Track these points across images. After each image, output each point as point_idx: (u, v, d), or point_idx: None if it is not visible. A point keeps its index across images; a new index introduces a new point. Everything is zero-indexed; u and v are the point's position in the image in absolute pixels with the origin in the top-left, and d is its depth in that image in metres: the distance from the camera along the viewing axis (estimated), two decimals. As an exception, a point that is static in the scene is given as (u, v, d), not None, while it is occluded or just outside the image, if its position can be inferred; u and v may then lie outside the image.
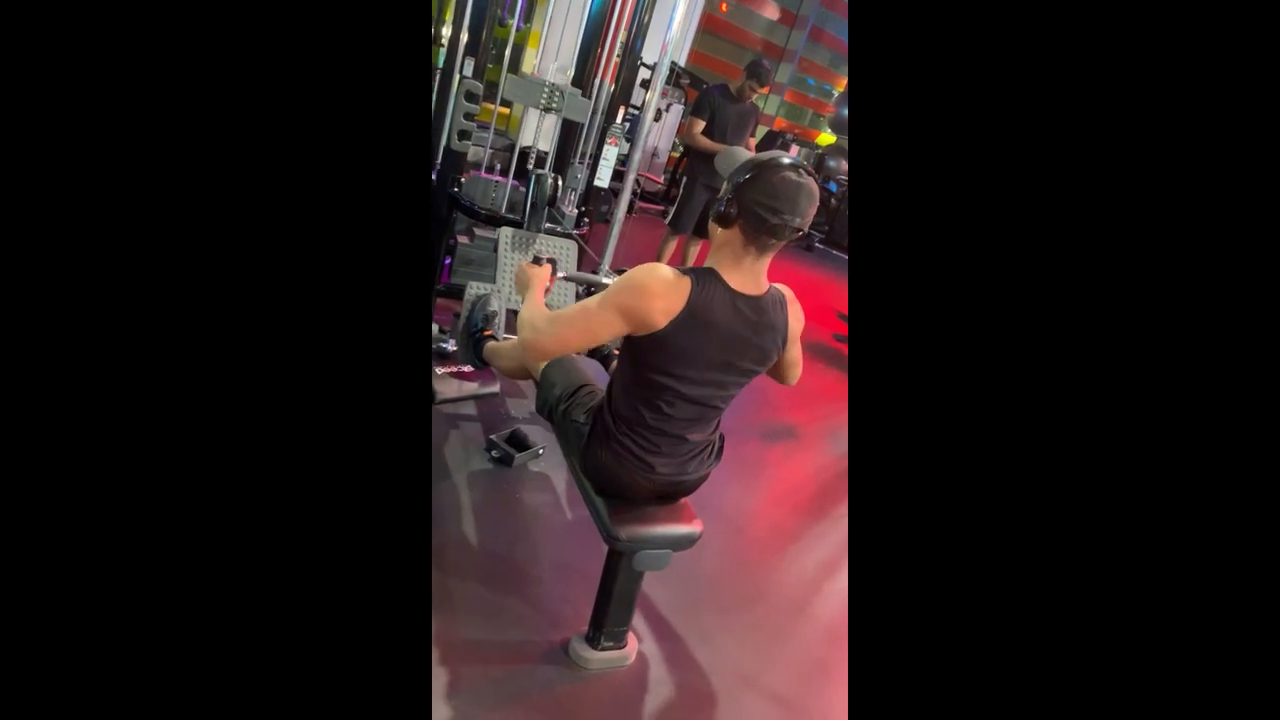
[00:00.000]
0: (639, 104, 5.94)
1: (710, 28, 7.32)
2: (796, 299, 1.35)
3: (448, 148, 2.38)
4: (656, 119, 5.53)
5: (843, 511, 2.43)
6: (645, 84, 5.89)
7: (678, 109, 6.59)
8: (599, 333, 1.21)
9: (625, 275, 1.21)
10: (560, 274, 1.73)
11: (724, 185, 1.20)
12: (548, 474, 2.08)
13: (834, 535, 2.27)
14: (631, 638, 1.53)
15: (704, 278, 1.21)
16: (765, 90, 3.65)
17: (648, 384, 1.28)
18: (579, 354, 1.76)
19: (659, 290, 1.17)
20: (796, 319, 1.33)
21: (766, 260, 1.23)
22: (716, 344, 1.23)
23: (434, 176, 2.48)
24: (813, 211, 1.18)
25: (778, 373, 1.43)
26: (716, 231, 1.22)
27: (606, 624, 1.46)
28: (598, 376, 1.56)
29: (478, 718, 1.28)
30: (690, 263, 4.08)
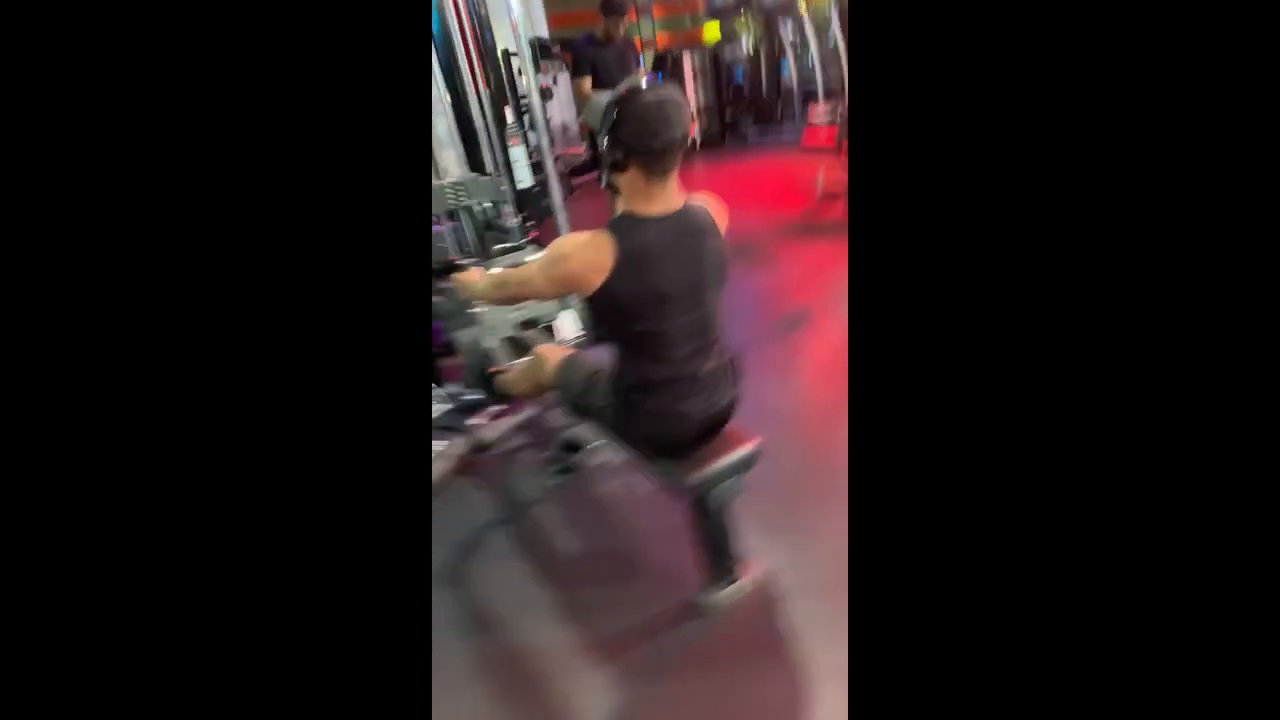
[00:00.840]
0: (525, 93, 5.87)
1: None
2: (713, 198, 1.37)
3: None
4: (548, 98, 5.47)
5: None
6: (520, 71, 5.81)
7: (565, 78, 6.48)
8: (540, 291, 1.31)
9: (550, 250, 1.26)
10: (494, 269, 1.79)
11: (599, 137, 1.23)
12: (609, 460, 2.14)
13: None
14: (746, 564, 1.60)
15: (622, 224, 1.24)
16: (629, 18, 3.57)
17: (635, 342, 1.32)
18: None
19: (576, 255, 1.22)
20: (720, 212, 1.37)
21: (671, 180, 1.25)
22: (670, 271, 1.26)
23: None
24: (685, 117, 1.19)
25: None
26: (619, 179, 1.24)
27: (718, 563, 1.52)
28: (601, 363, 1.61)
29: (656, 693, 1.36)
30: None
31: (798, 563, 1.63)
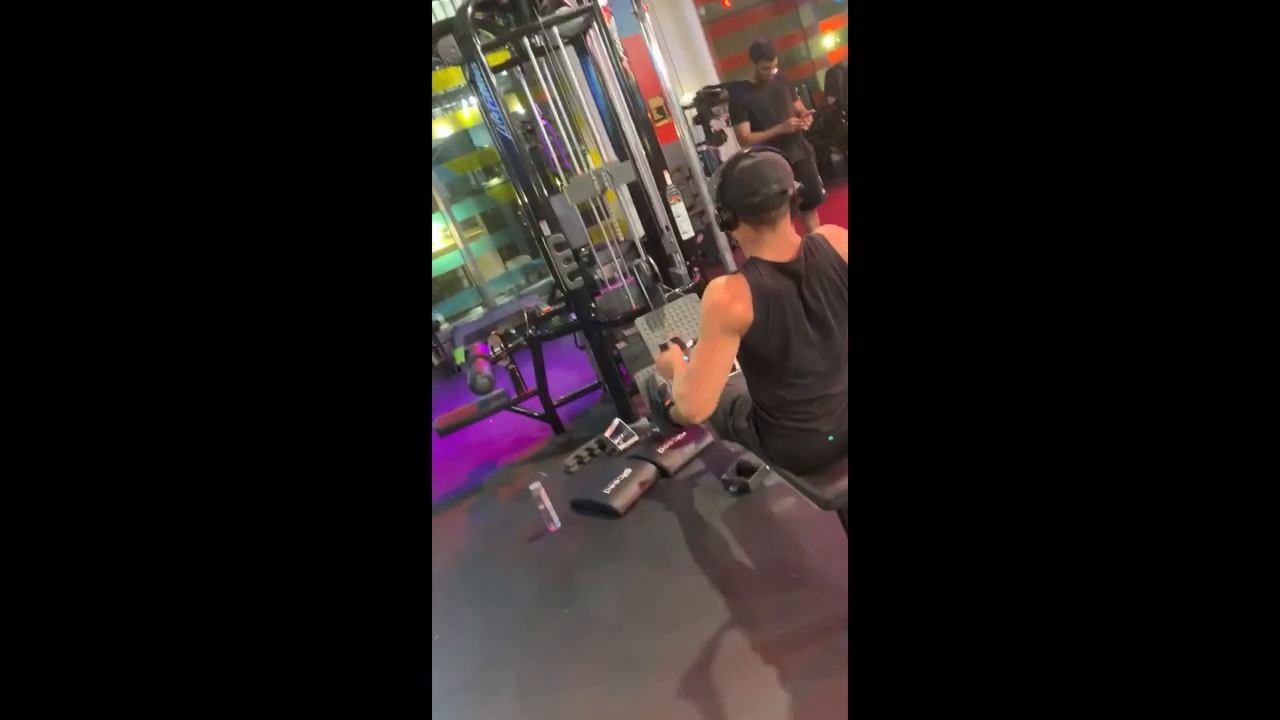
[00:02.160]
0: (701, 140, 6.23)
1: (722, 33, 7.47)
2: (834, 228, 1.49)
3: (569, 291, 2.85)
4: (721, 141, 5.75)
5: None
6: (696, 120, 6.19)
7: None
8: (722, 359, 1.43)
9: (701, 311, 1.46)
10: (688, 343, 2.00)
11: (713, 200, 1.44)
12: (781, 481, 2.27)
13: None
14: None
15: (749, 266, 1.43)
16: (774, 63, 3.73)
17: (768, 372, 1.48)
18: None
19: (724, 296, 1.40)
20: (843, 239, 1.47)
21: (782, 227, 1.41)
22: (794, 311, 1.41)
23: (572, 317, 2.96)
24: (783, 173, 1.36)
25: None
26: (734, 233, 1.44)
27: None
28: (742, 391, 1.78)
29: (811, 690, 1.48)
30: (815, 230, 4.13)
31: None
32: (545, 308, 3.13)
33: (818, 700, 1.46)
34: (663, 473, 2.58)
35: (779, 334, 1.42)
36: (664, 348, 1.88)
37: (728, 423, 1.70)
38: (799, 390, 1.48)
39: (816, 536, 1.94)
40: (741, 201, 1.37)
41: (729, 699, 1.54)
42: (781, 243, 1.42)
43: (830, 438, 1.50)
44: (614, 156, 2.98)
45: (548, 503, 2.56)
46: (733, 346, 1.42)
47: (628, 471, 2.59)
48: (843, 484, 1.50)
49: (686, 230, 2.95)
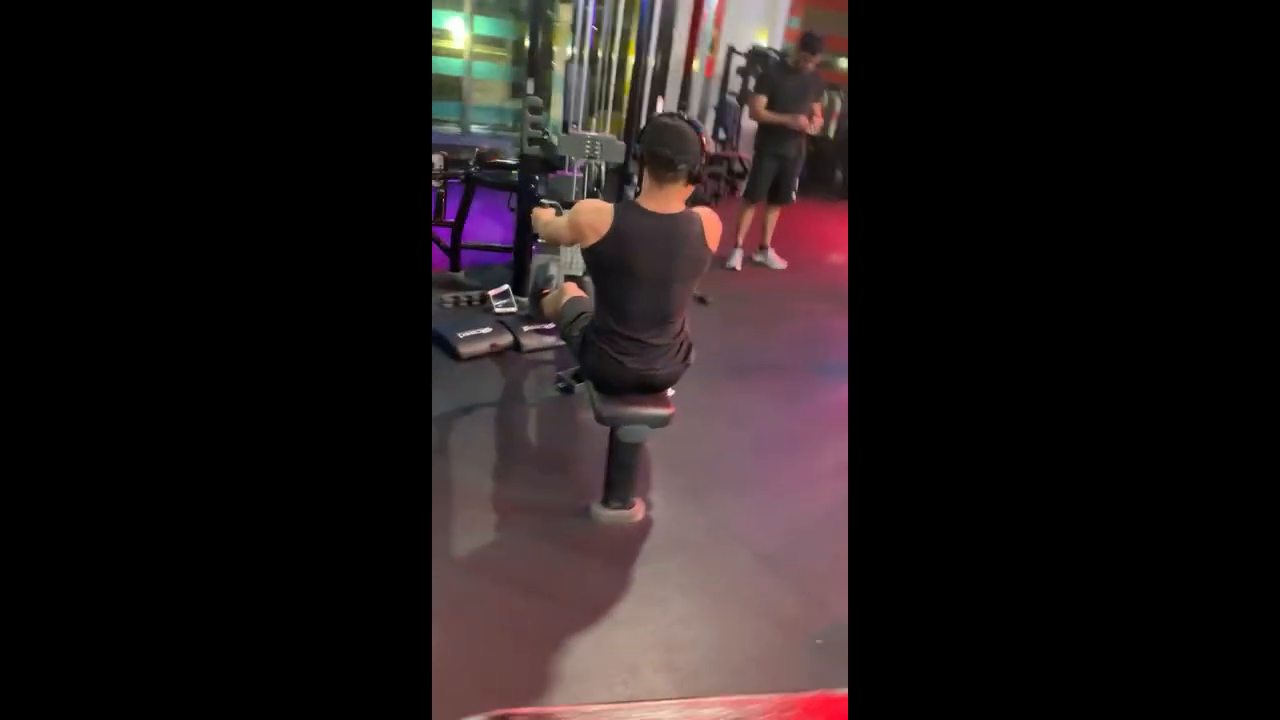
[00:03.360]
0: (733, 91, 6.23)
1: (816, 3, 7.32)
2: (710, 214, 1.71)
3: (522, 153, 2.94)
4: (743, 103, 5.79)
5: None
6: (740, 71, 6.17)
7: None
8: (563, 235, 1.74)
9: (574, 206, 1.69)
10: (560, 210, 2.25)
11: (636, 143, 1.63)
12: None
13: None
14: (639, 503, 1.96)
15: (625, 207, 1.64)
16: (815, 59, 3.82)
17: (606, 295, 1.72)
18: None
19: (586, 214, 1.63)
20: (713, 228, 1.70)
21: (672, 190, 1.62)
22: (644, 255, 1.63)
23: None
24: (686, 146, 1.57)
25: None
26: (640, 176, 1.65)
27: (613, 489, 1.90)
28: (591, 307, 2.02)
29: (519, 545, 1.79)
30: (769, 230, 4.36)
31: (679, 521, 1.97)
32: (494, 155, 3.20)
33: (524, 562, 1.77)
34: (515, 346, 2.81)
35: (620, 269, 1.65)
36: (542, 205, 2.15)
37: (567, 328, 1.93)
38: (622, 326, 1.73)
39: (590, 442, 2.22)
40: (647, 149, 1.57)
41: (447, 538, 1.83)
42: (664, 200, 1.63)
43: (627, 373, 1.76)
44: (647, 58, 3.03)
45: (406, 318, 2.73)
46: (569, 238, 1.72)
47: (488, 329, 2.79)
48: (622, 409, 1.78)
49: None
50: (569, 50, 3.00)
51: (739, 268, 4.22)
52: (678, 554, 1.85)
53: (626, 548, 1.86)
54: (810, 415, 2.75)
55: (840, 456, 2.44)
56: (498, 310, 3.08)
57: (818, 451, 2.46)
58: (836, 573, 1.84)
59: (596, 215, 1.63)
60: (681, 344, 1.83)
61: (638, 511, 1.95)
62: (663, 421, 1.81)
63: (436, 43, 5.81)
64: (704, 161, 1.63)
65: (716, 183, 5.81)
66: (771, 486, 2.22)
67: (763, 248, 4.39)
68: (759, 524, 2.01)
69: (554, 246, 2.16)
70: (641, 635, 1.57)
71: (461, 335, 2.72)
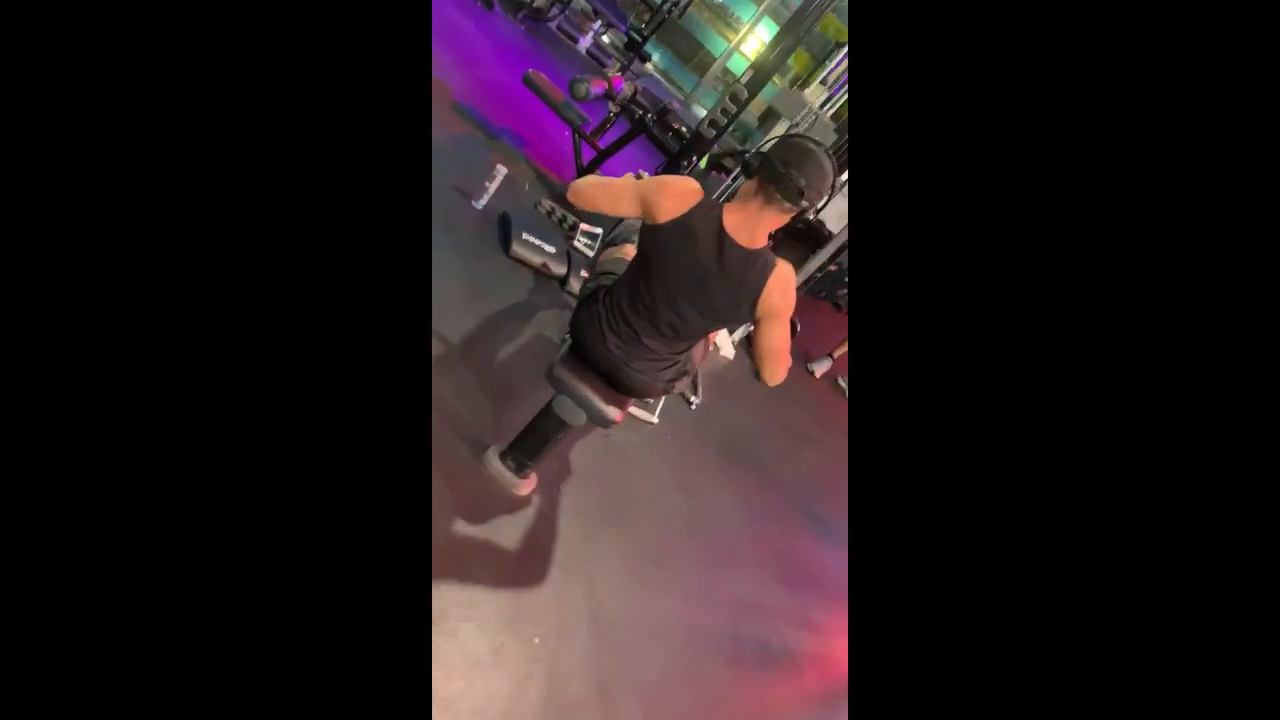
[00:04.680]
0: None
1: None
2: (794, 286, 1.46)
3: (695, 131, 2.80)
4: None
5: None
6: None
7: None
8: (622, 204, 1.46)
9: (661, 176, 1.46)
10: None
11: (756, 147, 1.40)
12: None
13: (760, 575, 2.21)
14: (532, 478, 1.76)
15: (710, 205, 1.40)
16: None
17: (636, 273, 1.51)
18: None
19: (673, 192, 1.39)
20: (782, 296, 1.43)
21: (768, 216, 1.37)
22: (689, 263, 1.40)
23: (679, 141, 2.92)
24: (818, 181, 1.31)
25: (754, 352, 1.54)
26: (744, 180, 1.41)
27: (517, 446, 1.70)
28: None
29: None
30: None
31: (547, 527, 1.75)
32: (676, 121, 3.08)
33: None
34: (563, 281, 2.66)
35: (664, 265, 1.44)
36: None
37: (592, 277, 1.74)
38: (629, 309, 1.52)
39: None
40: (772, 160, 1.34)
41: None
42: (752, 222, 1.39)
43: (605, 351, 1.56)
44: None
45: (493, 188, 2.64)
46: (632, 209, 1.45)
47: (552, 250, 2.66)
48: (573, 378, 1.58)
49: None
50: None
51: (818, 375, 3.92)
52: (517, 546, 1.63)
53: (479, 512, 1.65)
54: (778, 549, 2.45)
55: (770, 599, 2.15)
56: (576, 242, 2.95)
57: (757, 574, 2.17)
58: (654, 691, 1.58)
59: (680, 198, 1.39)
60: (674, 364, 1.60)
61: (524, 486, 1.74)
62: (603, 420, 1.60)
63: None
64: (820, 206, 1.39)
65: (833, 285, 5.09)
66: (675, 575, 1.96)
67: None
68: (626, 595, 1.76)
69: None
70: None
71: (524, 236, 2.60)
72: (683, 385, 1.68)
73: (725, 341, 3.41)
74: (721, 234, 1.39)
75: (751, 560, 2.26)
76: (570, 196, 1.54)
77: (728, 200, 1.42)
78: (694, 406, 2.70)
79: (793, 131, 1.40)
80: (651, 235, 1.43)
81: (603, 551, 1.80)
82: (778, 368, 1.53)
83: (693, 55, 6.02)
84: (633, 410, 2.34)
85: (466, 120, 3.20)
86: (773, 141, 1.36)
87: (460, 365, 1.97)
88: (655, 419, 2.40)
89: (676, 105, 3.13)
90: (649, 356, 1.56)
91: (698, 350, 1.73)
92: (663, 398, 2.41)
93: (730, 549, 2.21)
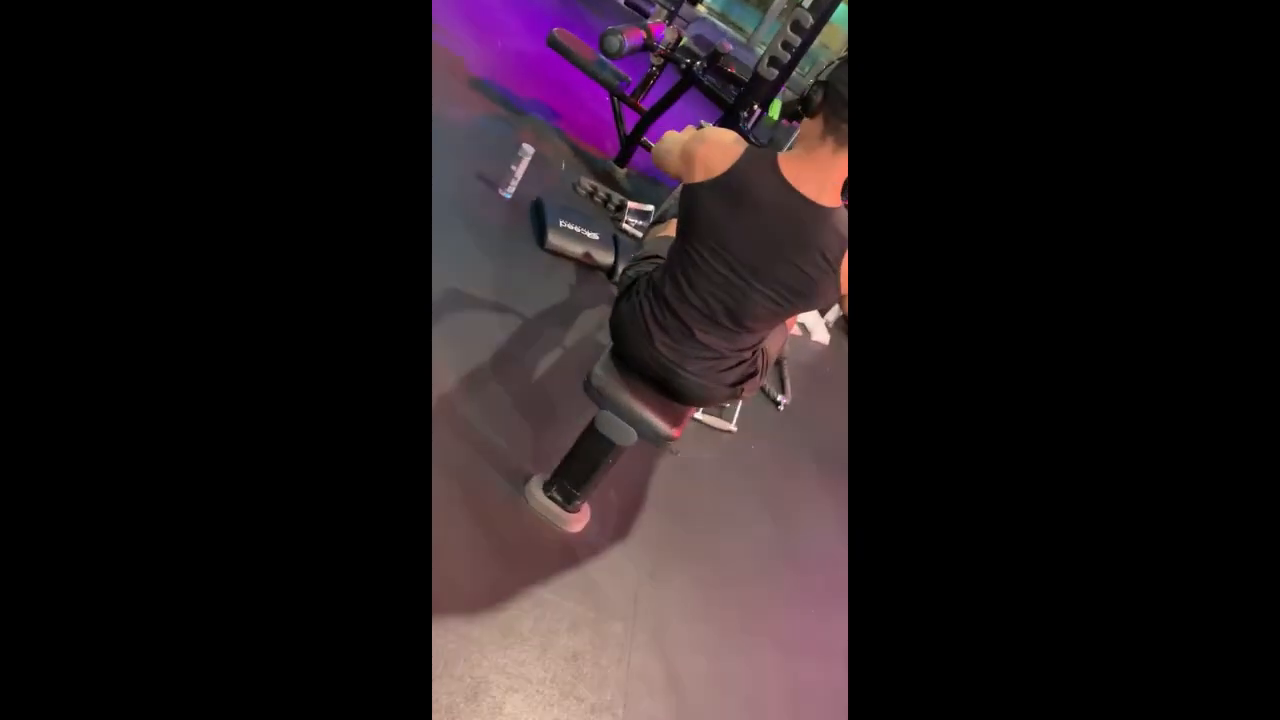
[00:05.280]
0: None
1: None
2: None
3: (756, 73, 2.67)
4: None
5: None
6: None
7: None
8: (671, 160, 1.40)
9: (706, 129, 1.37)
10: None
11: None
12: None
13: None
14: (584, 511, 1.69)
15: (761, 154, 1.29)
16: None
17: (680, 251, 1.41)
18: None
19: (711, 144, 1.30)
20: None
21: (842, 161, 1.24)
22: (745, 228, 1.30)
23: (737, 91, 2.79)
24: None
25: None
26: (806, 120, 1.28)
27: (562, 476, 1.64)
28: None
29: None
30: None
31: (614, 568, 1.68)
32: (731, 64, 2.95)
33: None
34: (610, 273, 2.59)
35: (706, 229, 1.33)
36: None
37: (634, 265, 1.66)
38: (676, 298, 1.42)
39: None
40: (837, 88, 1.20)
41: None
42: (817, 168, 1.26)
43: (653, 353, 1.47)
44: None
45: (520, 172, 2.61)
46: (678, 166, 1.37)
47: (595, 237, 2.60)
48: (616, 386, 1.50)
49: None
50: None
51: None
52: (574, 614, 1.57)
53: (525, 558, 1.60)
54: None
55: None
56: (625, 225, 2.88)
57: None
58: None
59: (719, 150, 1.30)
60: (741, 363, 1.49)
61: (576, 522, 1.68)
62: (657, 437, 1.51)
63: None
64: None
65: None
66: (767, 622, 1.85)
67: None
68: (706, 650, 1.66)
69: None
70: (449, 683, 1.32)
71: (562, 224, 2.55)
72: (753, 389, 1.57)
73: (817, 324, 3.25)
74: (784, 188, 1.27)
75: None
76: (654, 161, 1.51)
77: (792, 149, 1.31)
78: (782, 408, 2.57)
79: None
80: (692, 200, 1.33)
81: (675, 596, 1.71)
82: None
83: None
84: (703, 418, 2.25)
85: (488, 97, 3.19)
86: (835, 64, 1.23)
87: (492, 383, 1.93)
88: (733, 426, 2.29)
89: (729, 46, 3.00)
90: (706, 356, 1.46)
91: (772, 342, 1.62)
92: (739, 401, 2.30)
93: (835, 584, 2.07)
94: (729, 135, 1.33)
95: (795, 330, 3.14)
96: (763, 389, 2.57)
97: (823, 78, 1.23)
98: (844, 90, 1.19)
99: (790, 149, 1.32)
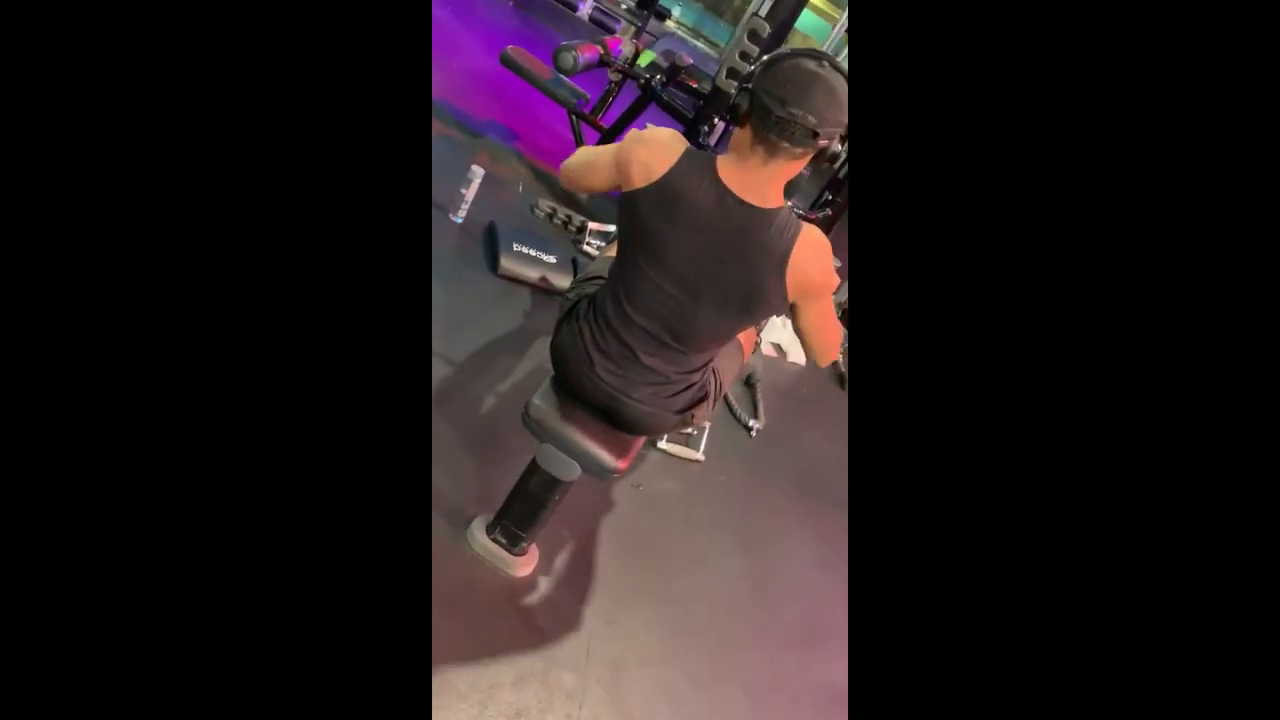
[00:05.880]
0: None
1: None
2: (829, 254, 1.26)
3: (714, 85, 2.63)
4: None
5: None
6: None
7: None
8: (597, 171, 1.34)
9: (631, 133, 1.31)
10: None
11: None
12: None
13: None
14: (532, 553, 1.61)
15: (699, 158, 1.23)
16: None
17: (619, 266, 1.35)
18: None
19: (650, 145, 1.24)
20: (817, 267, 1.25)
21: (777, 169, 1.20)
22: (683, 237, 1.24)
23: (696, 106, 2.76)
24: (833, 113, 1.13)
25: (800, 337, 1.39)
26: (736, 131, 1.23)
27: (505, 517, 1.56)
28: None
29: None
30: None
31: (562, 613, 1.59)
32: (692, 78, 2.92)
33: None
34: (557, 291, 2.53)
35: (644, 238, 1.27)
36: None
37: (576, 287, 1.59)
38: (616, 316, 1.36)
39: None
40: (765, 97, 1.14)
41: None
42: (757, 181, 1.21)
43: (595, 380, 1.40)
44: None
45: (471, 195, 2.55)
46: (607, 176, 1.32)
47: (553, 260, 2.54)
48: (555, 418, 1.42)
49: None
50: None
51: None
52: (519, 667, 1.47)
53: (464, 605, 1.51)
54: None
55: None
56: (586, 247, 2.83)
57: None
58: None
59: (660, 150, 1.24)
60: (689, 386, 1.42)
61: (522, 565, 1.59)
62: (601, 470, 1.43)
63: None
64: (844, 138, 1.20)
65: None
66: (737, 663, 1.76)
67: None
68: (670, 699, 1.57)
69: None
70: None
71: (516, 247, 2.49)
72: (704, 415, 1.50)
73: (793, 343, 3.19)
74: (723, 193, 1.22)
75: (840, 632, 2.01)
76: (563, 183, 1.46)
77: (725, 156, 1.25)
78: (754, 433, 2.50)
79: (787, 49, 1.19)
80: (631, 208, 1.27)
81: (633, 643, 1.62)
82: (827, 349, 1.41)
83: (722, 0, 5.90)
84: (669, 448, 2.17)
85: (442, 119, 3.14)
86: (759, 68, 1.18)
87: (435, 418, 1.85)
88: (700, 455, 2.21)
89: (689, 59, 2.97)
90: (652, 380, 1.39)
91: (725, 363, 1.55)
92: (705, 426, 2.22)
93: (811, 618, 1.98)
94: (667, 133, 1.27)
95: (770, 351, 3.08)
96: (733, 414, 2.50)
97: (750, 83, 1.18)
98: (774, 106, 1.13)
99: (727, 154, 1.26)
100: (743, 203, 1.21)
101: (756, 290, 1.26)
